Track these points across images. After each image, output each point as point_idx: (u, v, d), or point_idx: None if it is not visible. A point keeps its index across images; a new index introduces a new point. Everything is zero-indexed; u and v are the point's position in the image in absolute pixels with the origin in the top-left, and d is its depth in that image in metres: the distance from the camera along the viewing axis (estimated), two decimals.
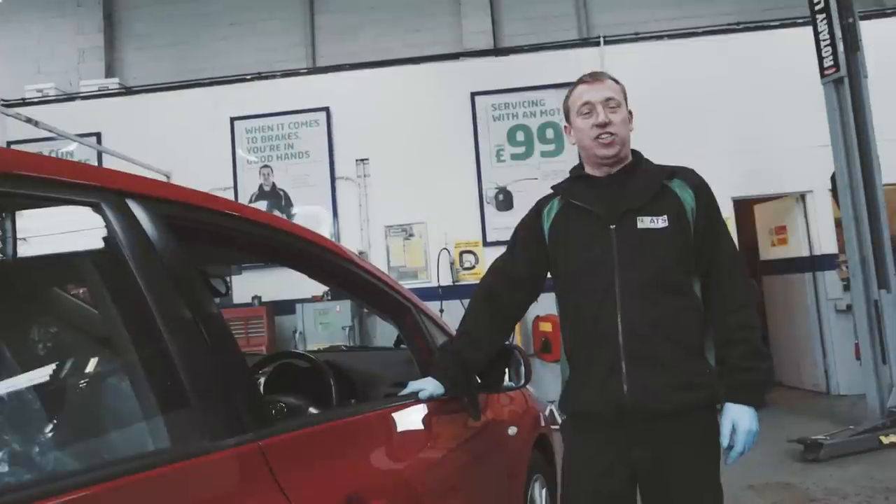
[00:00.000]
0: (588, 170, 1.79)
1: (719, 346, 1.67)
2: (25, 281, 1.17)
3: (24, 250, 0.99)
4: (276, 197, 6.97)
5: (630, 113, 1.76)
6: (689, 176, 1.74)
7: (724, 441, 1.64)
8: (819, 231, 6.67)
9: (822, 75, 5.13)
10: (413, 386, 1.73)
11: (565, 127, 1.87)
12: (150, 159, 6.71)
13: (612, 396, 1.61)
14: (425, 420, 1.70)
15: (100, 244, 1.05)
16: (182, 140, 7.00)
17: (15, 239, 1.00)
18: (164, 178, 6.91)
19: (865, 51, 4.98)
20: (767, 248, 7.45)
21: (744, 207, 7.34)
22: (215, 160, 6.98)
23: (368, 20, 9.34)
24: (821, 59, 5.11)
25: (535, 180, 6.77)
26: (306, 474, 1.14)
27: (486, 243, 6.78)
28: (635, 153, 1.81)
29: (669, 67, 6.81)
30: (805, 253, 6.79)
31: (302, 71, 7.50)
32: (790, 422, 5.45)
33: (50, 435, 0.97)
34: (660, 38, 7.00)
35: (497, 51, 7.61)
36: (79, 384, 1.06)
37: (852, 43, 4.99)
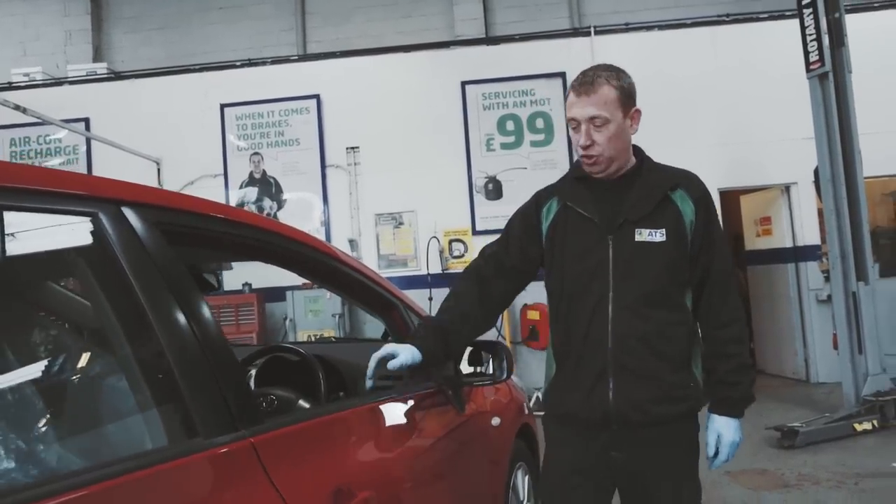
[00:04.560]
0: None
1: (707, 359, 1.70)
2: (27, 290, 1.22)
3: (27, 260, 1.04)
4: (266, 184, 6.99)
5: (635, 113, 1.68)
6: (692, 187, 1.70)
7: (710, 451, 1.71)
8: (803, 222, 6.79)
9: (808, 69, 5.20)
10: (387, 349, 1.65)
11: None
12: (140, 146, 6.71)
13: (598, 403, 1.64)
14: (410, 413, 1.77)
15: (97, 252, 1.10)
16: (172, 127, 6.99)
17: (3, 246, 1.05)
18: (154, 165, 6.91)
19: (851, 45, 5.05)
20: (752, 239, 7.58)
21: (731, 198, 7.45)
22: (205, 147, 6.98)
23: (359, 5, 9.30)
24: (806, 53, 5.17)
25: (525, 170, 6.83)
26: (296, 469, 1.21)
27: (475, 232, 6.84)
28: (639, 155, 1.76)
29: (659, 58, 6.85)
30: (788, 244, 6.91)
31: (293, 58, 7.48)
32: (770, 409, 5.59)
33: (49, 434, 1.03)
34: (650, 28, 7.03)
35: (488, 39, 7.62)
36: (78, 387, 1.11)
37: (837, 38, 5.05)
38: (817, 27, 5.07)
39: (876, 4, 6.79)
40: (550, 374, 1.79)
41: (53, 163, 7.17)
